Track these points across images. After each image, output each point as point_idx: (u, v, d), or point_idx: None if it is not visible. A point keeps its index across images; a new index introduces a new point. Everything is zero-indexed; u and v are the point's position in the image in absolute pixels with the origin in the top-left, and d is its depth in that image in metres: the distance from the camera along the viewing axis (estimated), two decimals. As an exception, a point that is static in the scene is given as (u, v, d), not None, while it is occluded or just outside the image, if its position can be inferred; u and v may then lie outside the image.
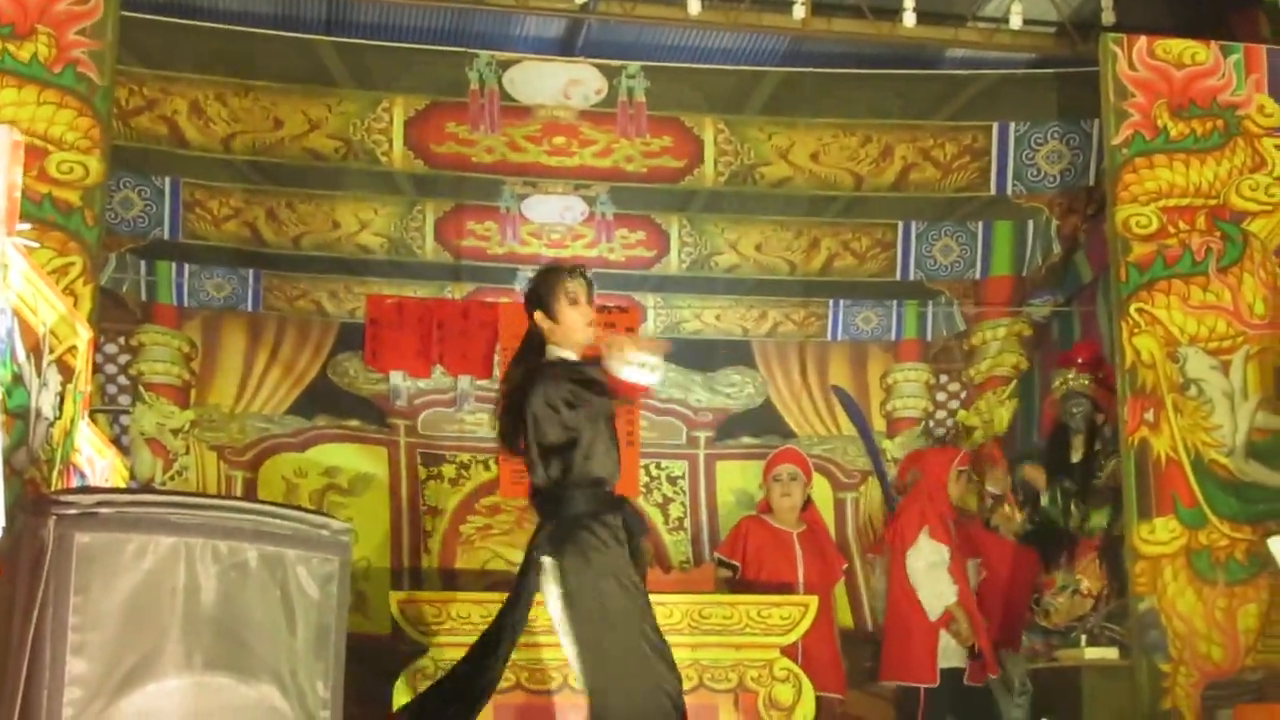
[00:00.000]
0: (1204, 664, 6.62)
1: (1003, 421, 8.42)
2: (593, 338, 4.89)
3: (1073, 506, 7.33)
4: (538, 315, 4.89)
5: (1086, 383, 7.56)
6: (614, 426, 4.86)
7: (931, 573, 7.20)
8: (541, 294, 4.90)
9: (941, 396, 8.62)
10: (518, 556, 8.22)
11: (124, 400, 7.98)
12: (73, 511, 3.28)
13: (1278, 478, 6.87)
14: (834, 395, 8.46)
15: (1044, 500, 7.48)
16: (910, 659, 7.22)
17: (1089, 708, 6.65)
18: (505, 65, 8.38)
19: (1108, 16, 7.57)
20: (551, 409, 4.70)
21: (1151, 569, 6.67)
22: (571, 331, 4.85)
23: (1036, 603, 7.27)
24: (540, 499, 4.84)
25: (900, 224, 8.69)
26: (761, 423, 8.57)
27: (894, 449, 8.39)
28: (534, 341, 4.93)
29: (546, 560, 4.73)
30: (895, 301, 8.63)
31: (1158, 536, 6.71)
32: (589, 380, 4.77)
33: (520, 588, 4.86)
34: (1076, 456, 7.52)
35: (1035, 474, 7.62)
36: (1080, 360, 7.65)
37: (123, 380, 8.00)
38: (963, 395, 8.60)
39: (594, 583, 4.63)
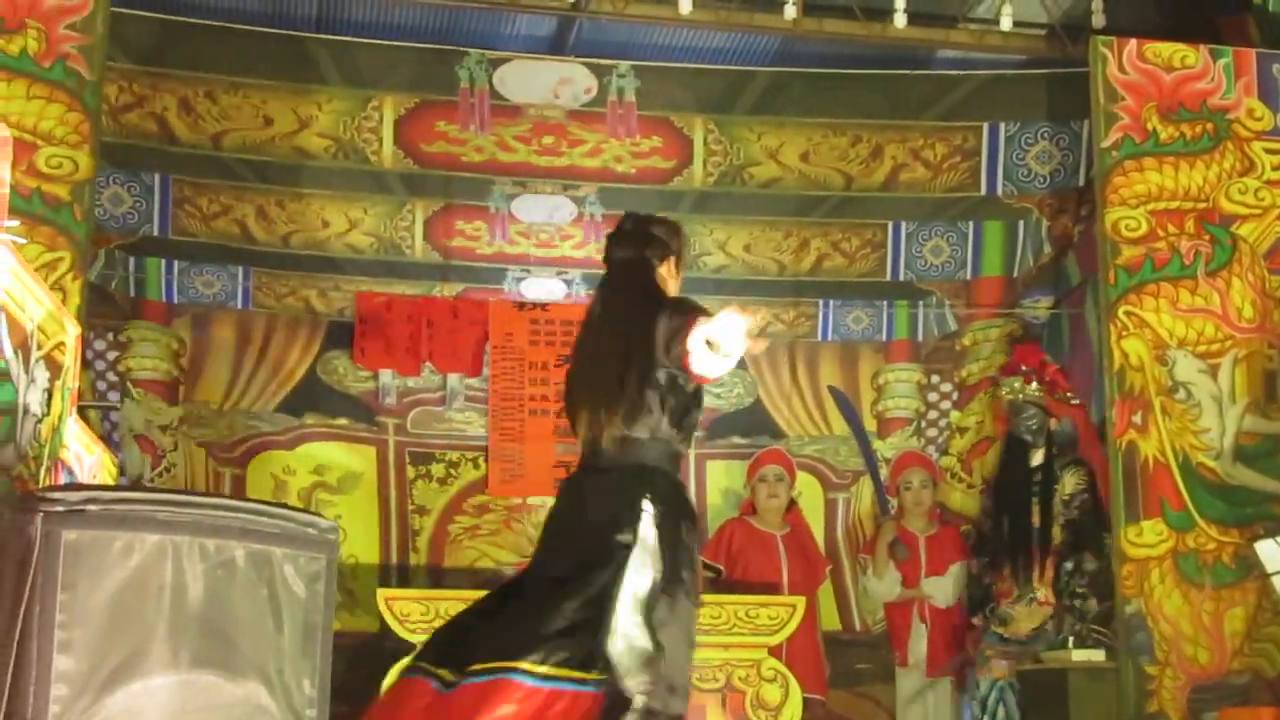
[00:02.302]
0: (1190, 667, 6.63)
1: (992, 423, 8.41)
2: None
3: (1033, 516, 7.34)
4: (668, 264, 4.47)
5: (1036, 390, 7.56)
6: None
7: None
8: (678, 249, 4.52)
9: (934, 397, 8.62)
10: (505, 556, 8.29)
11: (113, 396, 7.97)
12: (60, 508, 3.28)
13: (1265, 481, 6.87)
14: (829, 395, 8.46)
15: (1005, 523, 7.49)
16: None
17: (1076, 709, 6.66)
18: (495, 64, 8.39)
19: (1098, 19, 7.58)
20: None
21: (1138, 571, 6.67)
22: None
23: (992, 611, 7.27)
24: (638, 449, 4.24)
25: (890, 224, 8.69)
26: (751, 423, 8.57)
27: (885, 449, 8.39)
28: (652, 286, 4.43)
29: (652, 508, 4.15)
30: (885, 302, 8.63)
31: (1145, 539, 6.72)
32: None
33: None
34: (1036, 462, 7.52)
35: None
36: (1025, 367, 7.64)
37: (111, 376, 7.98)
38: (955, 396, 8.60)
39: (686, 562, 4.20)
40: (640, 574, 4.06)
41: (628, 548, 4.07)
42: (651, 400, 4.22)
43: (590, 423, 4.31)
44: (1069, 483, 7.36)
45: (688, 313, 4.15)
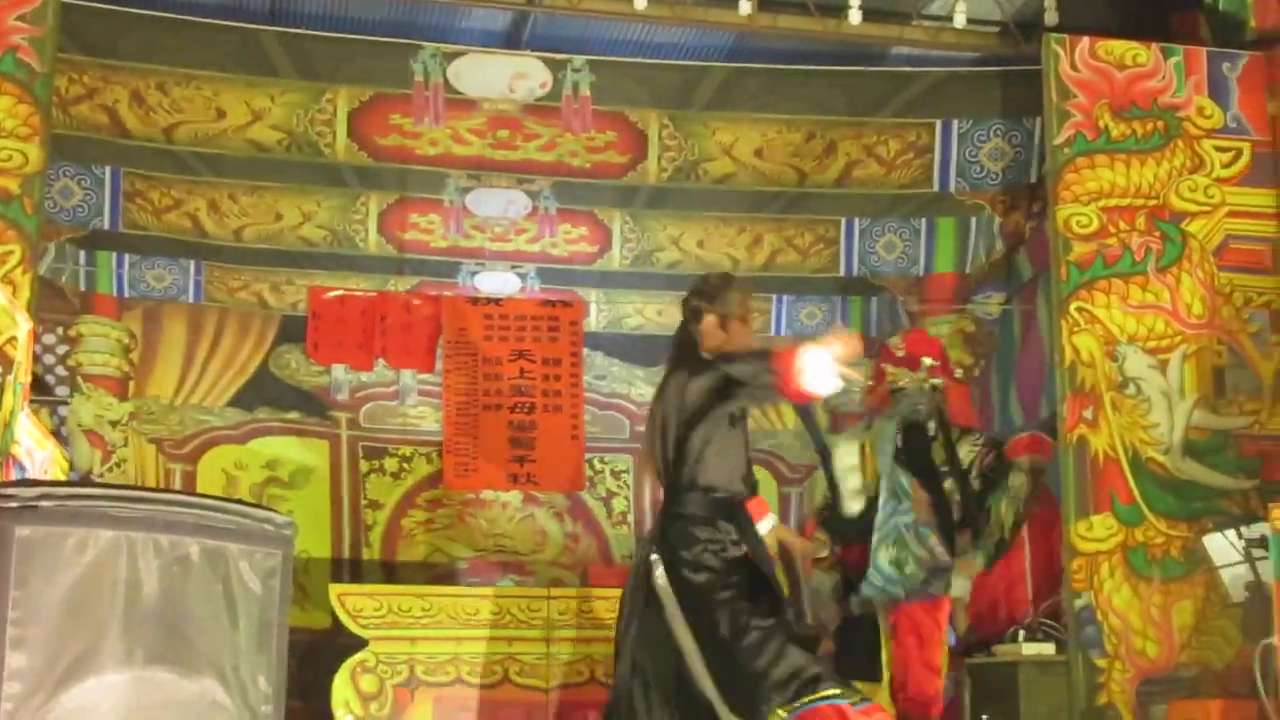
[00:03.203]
0: (1139, 660, 6.68)
1: (949, 419, 8.43)
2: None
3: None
4: (716, 314, 4.87)
5: (939, 381, 7.38)
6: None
7: None
8: (727, 298, 4.91)
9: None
10: (459, 550, 8.30)
11: (62, 392, 7.91)
12: (13, 504, 3.26)
13: (1213, 476, 6.93)
14: None
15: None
16: None
17: (1026, 702, 6.71)
18: (450, 58, 8.34)
19: (1051, 17, 7.62)
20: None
21: (1088, 565, 6.72)
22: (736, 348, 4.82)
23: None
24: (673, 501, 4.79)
25: (843, 220, 8.73)
26: (704, 418, 8.57)
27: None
28: (687, 341, 4.93)
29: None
30: (839, 297, 8.67)
31: (1095, 533, 6.77)
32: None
33: None
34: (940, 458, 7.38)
35: None
36: (929, 360, 7.34)
37: (61, 371, 7.93)
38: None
39: None
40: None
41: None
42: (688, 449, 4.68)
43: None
44: (965, 452, 7.24)
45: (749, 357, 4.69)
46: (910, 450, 7.13)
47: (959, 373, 8.14)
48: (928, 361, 7.16)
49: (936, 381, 7.16)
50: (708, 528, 4.64)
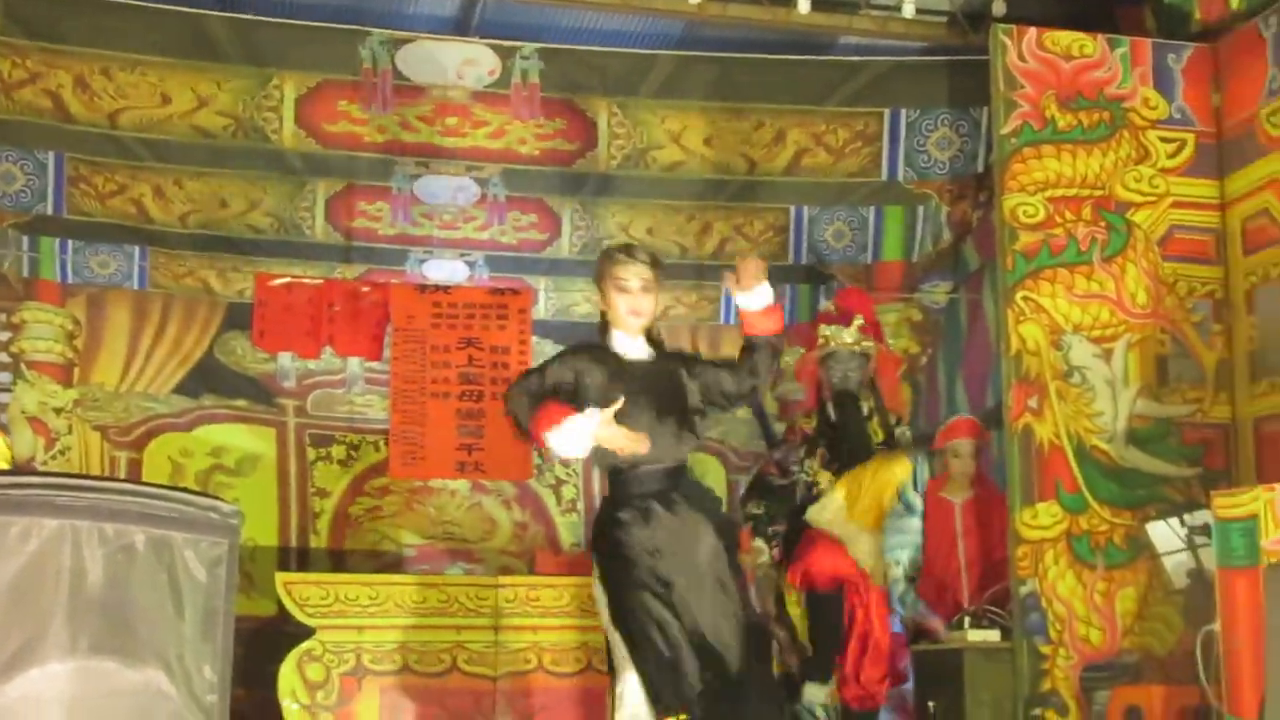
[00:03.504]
0: (1083, 646, 6.74)
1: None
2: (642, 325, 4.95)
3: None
4: (602, 287, 5.01)
5: (870, 342, 7.19)
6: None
7: None
8: (601, 271, 5.01)
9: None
10: (407, 538, 8.27)
11: (4, 378, 7.84)
12: (-45, 493, 3.23)
13: (1156, 464, 6.99)
14: None
15: None
16: None
17: (971, 689, 6.74)
18: (398, 44, 8.32)
19: (998, 7, 7.66)
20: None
21: (1034, 553, 6.77)
22: (622, 317, 4.94)
23: None
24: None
25: (793, 208, 8.75)
26: (652, 405, 8.57)
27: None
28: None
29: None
30: (788, 285, 8.68)
31: (1040, 521, 6.82)
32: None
33: None
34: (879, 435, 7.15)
35: None
36: (861, 319, 7.17)
37: (4, 358, 7.85)
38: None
39: None
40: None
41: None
42: None
43: None
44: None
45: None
46: (844, 422, 7.12)
47: (903, 361, 8.20)
48: (859, 320, 7.17)
49: (868, 344, 7.16)
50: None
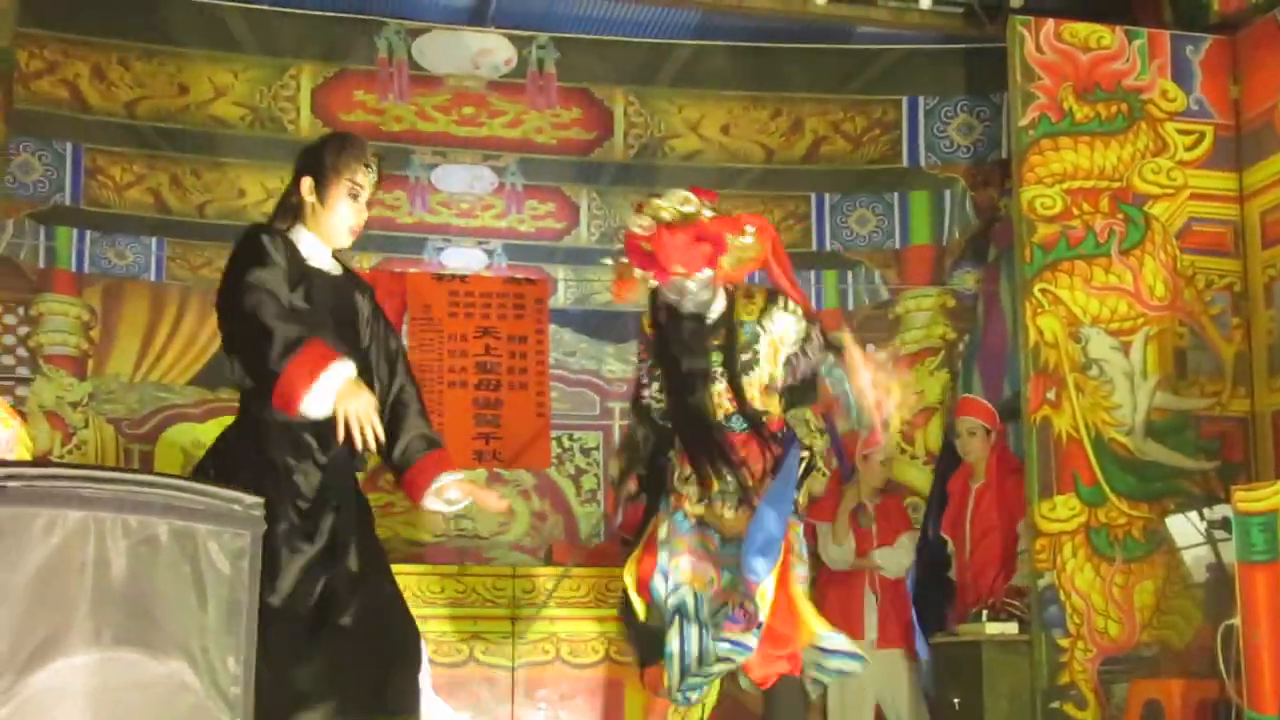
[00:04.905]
0: (1101, 639, 6.74)
1: (934, 394, 8.44)
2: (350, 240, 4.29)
3: None
4: (305, 182, 4.25)
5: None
6: None
7: None
8: (326, 164, 4.25)
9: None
10: (418, 535, 8.24)
11: (22, 372, 7.83)
12: (-20, 485, 3.23)
13: (1175, 457, 6.99)
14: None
15: None
16: None
17: (989, 682, 6.73)
18: (414, 34, 8.33)
19: (1016, -1, 7.66)
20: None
21: (1052, 546, 6.76)
22: (336, 226, 4.27)
23: None
24: None
25: (813, 195, 8.72)
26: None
27: (818, 421, 8.39)
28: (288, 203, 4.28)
29: None
30: (813, 272, 8.65)
31: (1058, 514, 6.81)
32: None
33: None
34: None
35: None
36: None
37: (21, 352, 7.85)
38: (890, 365, 8.56)
39: None
40: None
41: None
42: None
43: None
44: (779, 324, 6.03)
45: None
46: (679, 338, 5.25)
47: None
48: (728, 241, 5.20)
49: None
50: None
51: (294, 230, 4.23)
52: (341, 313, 4.25)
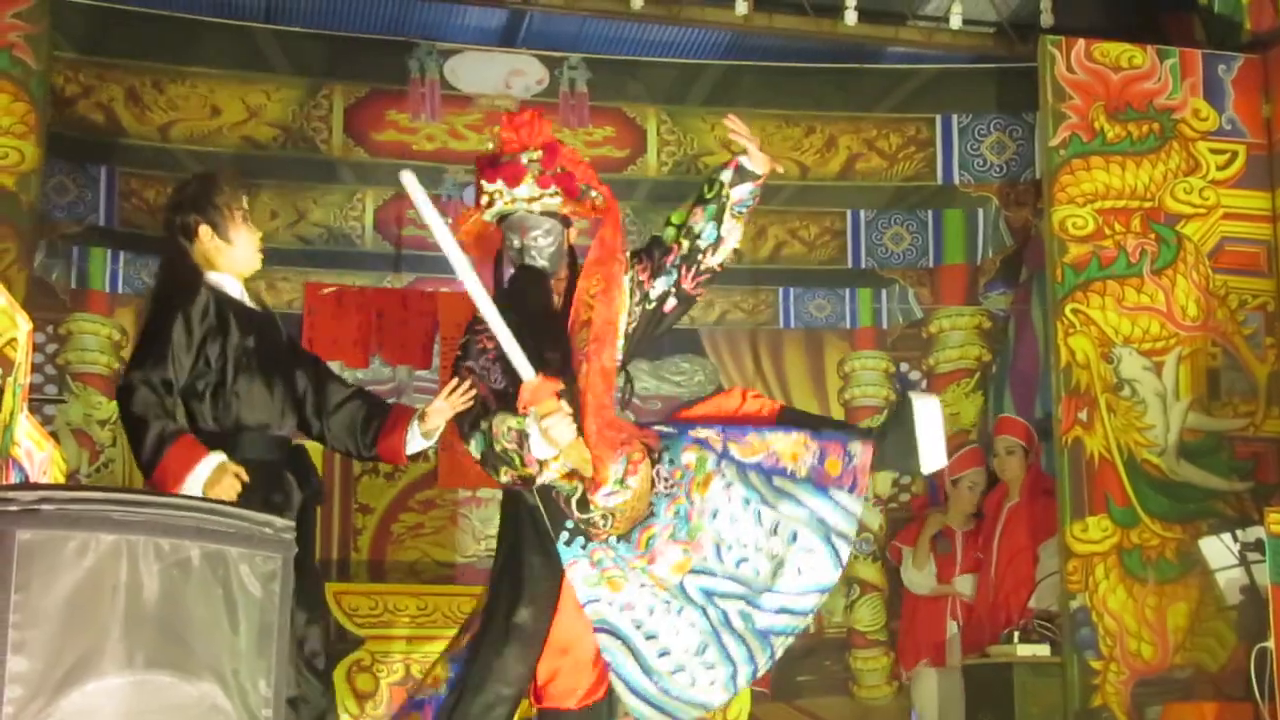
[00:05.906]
0: (1134, 661, 6.70)
1: (969, 415, 8.42)
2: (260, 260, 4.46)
3: None
4: (204, 229, 4.41)
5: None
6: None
7: None
8: (218, 205, 4.41)
9: (902, 386, 8.59)
10: (446, 556, 8.24)
11: (51, 390, 7.87)
12: (13, 508, 3.24)
13: (1208, 478, 6.95)
14: (794, 383, 8.45)
15: None
16: None
17: (1021, 704, 6.72)
18: (446, 55, 8.36)
19: (1046, 18, 7.63)
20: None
21: (1084, 567, 6.73)
22: (245, 256, 4.46)
23: None
24: None
25: (849, 212, 8.72)
26: (714, 410, 8.56)
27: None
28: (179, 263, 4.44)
29: None
30: (848, 289, 8.65)
31: (1090, 535, 6.78)
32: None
33: None
34: None
35: None
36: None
37: (50, 370, 7.89)
38: (924, 384, 8.58)
39: None
40: None
41: None
42: None
43: None
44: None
45: None
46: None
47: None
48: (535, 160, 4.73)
49: (554, 200, 4.82)
50: None
51: (211, 276, 4.40)
52: (270, 340, 4.48)
